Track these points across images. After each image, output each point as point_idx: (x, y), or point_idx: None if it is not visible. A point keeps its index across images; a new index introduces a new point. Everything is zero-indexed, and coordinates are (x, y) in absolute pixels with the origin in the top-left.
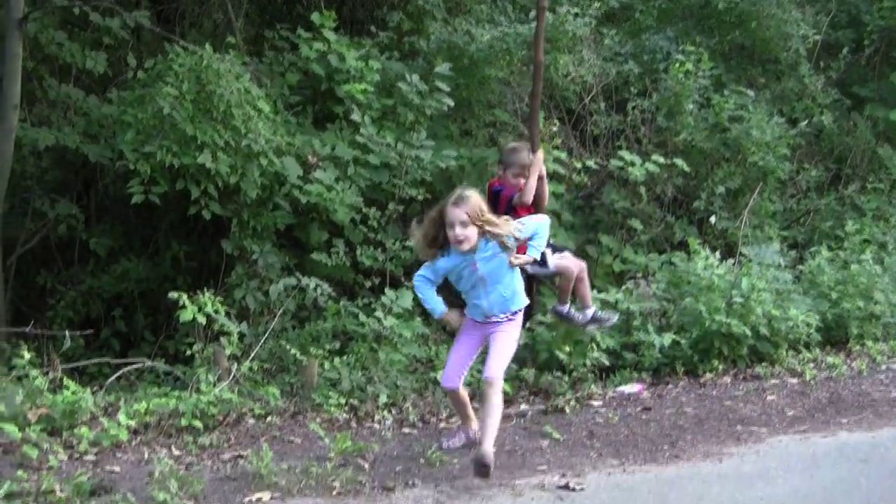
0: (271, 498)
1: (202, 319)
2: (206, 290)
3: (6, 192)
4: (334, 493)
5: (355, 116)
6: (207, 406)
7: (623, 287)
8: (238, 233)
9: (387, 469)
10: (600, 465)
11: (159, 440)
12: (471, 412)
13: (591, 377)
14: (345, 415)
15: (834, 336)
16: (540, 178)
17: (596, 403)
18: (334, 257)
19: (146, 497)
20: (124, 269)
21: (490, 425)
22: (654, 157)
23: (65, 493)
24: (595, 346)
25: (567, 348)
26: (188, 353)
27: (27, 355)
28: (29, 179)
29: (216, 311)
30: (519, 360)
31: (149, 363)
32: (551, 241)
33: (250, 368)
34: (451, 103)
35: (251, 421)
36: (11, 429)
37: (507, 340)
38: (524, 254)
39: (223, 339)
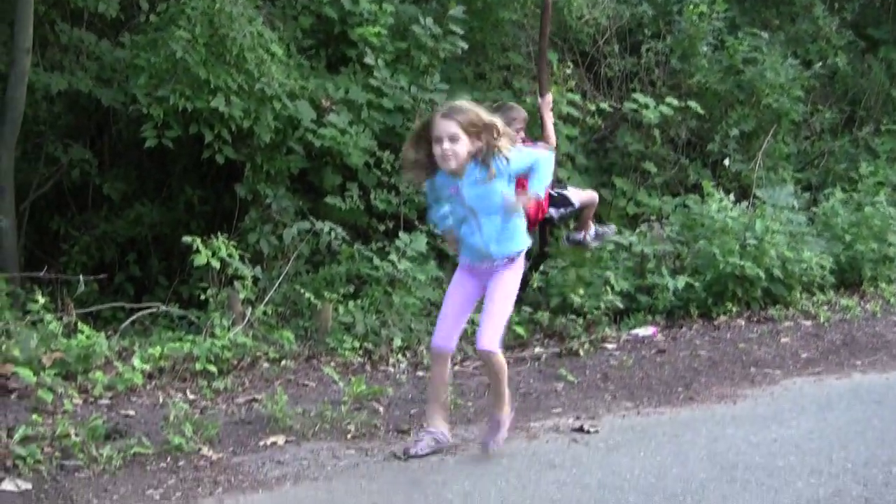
0: (286, 441)
1: (216, 264)
2: (219, 234)
3: (19, 137)
4: (349, 436)
5: (369, 60)
6: (222, 350)
7: (637, 230)
8: (251, 177)
9: (402, 412)
10: (615, 408)
11: (174, 384)
12: (445, 403)
13: (605, 320)
14: (359, 358)
15: (848, 278)
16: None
17: (610, 346)
18: (348, 201)
19: (161, 441)
20: (138, 213)
21: (500, 394)
22: (668, 99)
23: (80, 437)
24: (609, 289)
25: (581, 291)
26: (202, 297)
27: (41, 300)
28: (42, 124)
29: (230, 256)
30: (533, 303)
31: (163, 308)
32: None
33: (264, 312)
34: (465, 46)
35: (265, 365)
36: (26, 373)
37: (502, 296)
38: (524, 191)
39: (237, 284)
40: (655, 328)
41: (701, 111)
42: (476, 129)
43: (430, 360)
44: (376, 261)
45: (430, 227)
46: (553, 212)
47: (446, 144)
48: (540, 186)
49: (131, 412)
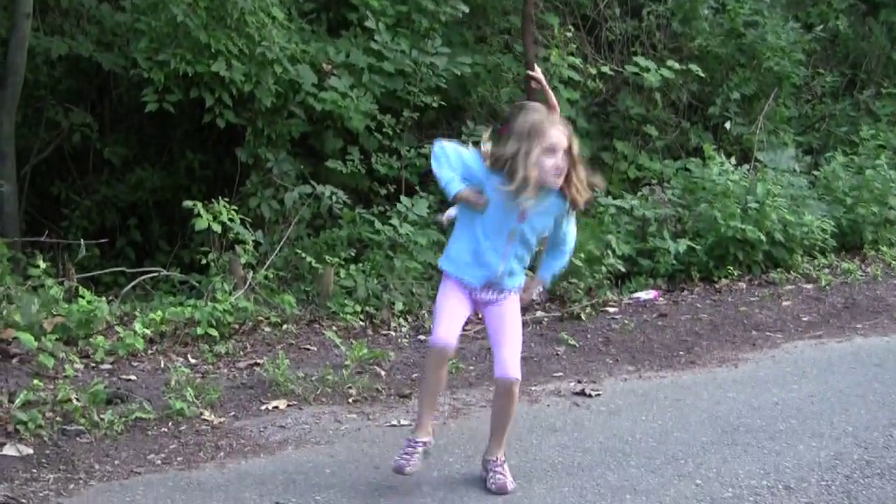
0: (288, 405)
1: (217, 228)
2: (220, 198)
3: (20, 102)
4: (351, 400)
5: (370, 23)
6: (223, 314)
7: (638, 193)
8: (253, 141)
9: (403, 376)
10: (616, 372)
11: (175, 349)
12: (434, 411)
13: (606, 284)
14: (360, 323)
15: (849, 241)
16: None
17: (612, 310)
18: (349, 165)
19: (162, 405)
20: (139, 178)
21: (506, 430)
22: (669, 62)
23: (81, 401)
24: (611, 253)
25: (582, 255)
26: (203, 262)
27: (42, 265)
28: (42, 89)
29: (231, 220)
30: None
31: (164, 272)
32: None
33: (266, 277)
34: (466, 9)
35: (267, 329)
36: (27, 338)
37: (517, 323)
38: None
39: (238, 248)
40: (657, 292)
41: (702, 74)
42: (573, 158)
43: (429, 359)
44: (378, 225)
45: (432, 193)
46: None
47: (561, 160)
48: (551, 272)
49: (133, 377)
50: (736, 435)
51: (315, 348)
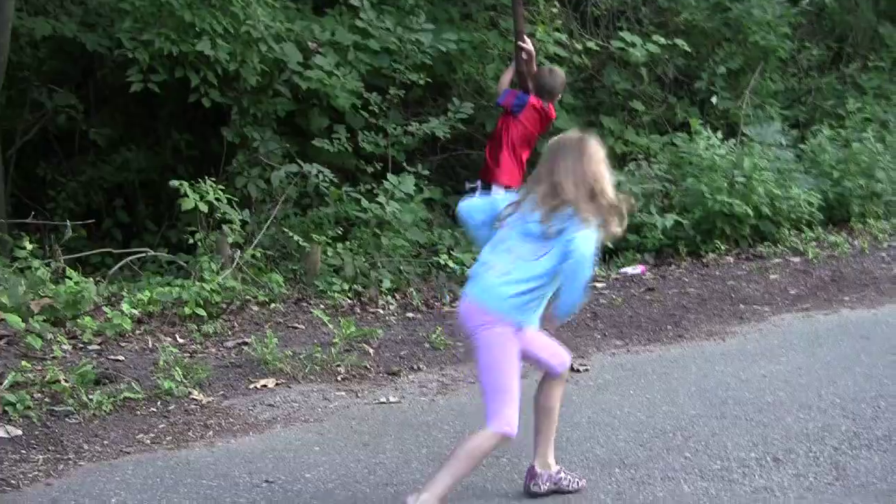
0: (276, 384)
1: (204, 208)
2: (207, 178)
3: (4, 83)
4: (339, 378)
5: (354, 1)
6: (211, 294)
7: (625, 169)
8: (238, 120)
9: (391, 354)
10: (604, 346)
11: (163, 329)
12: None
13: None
14: (348, 301)
15: (836, 214)
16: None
17: (599, 285)
18: (336, 143)
19: (151, 385)
20: (125, 158)
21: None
22: (655, 37)
23: (69, 382)
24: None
25: None
26: (191, 241)
27: (29, 246)
28: (27, 70)
29: (218, 200)
30: None
31: (151, 253)
32: None
33: (253, 256)
34: None
35: (255, 308)
36: (15, 319)
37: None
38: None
39: (225, 227)
40: (644, 266)
41: (688, 49)
42: None
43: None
44: (364, 203)
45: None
46: None
47: None
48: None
49: (121, 357)
50: (724, 408)
51: (303, 327)
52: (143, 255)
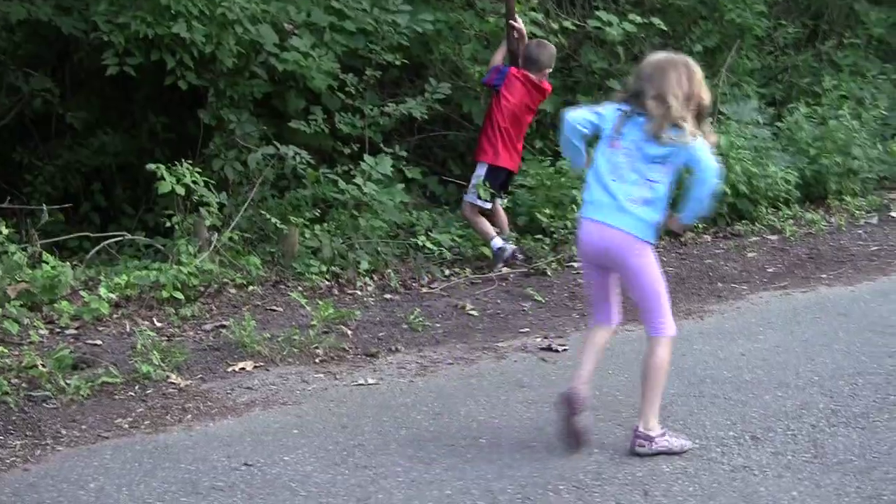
0: (255, 367)
1: (181, 191)
2: (184, 161)
3: None
4: (317, 360)
5: None
6: (188, 277)
7: None
8: (215, 102)
9: (370, 335)
10: (582, 326)
11: (141, 313)
12: None
13: (572, 239)
14: (326, 282)
15: (813, 192)
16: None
17: (577, 265)
18: (312, 125)
19: (129, 370)
20: (102, 142)
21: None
22: (632, 16)
23: (47, 367)
24: (576, 208)
25: (548, 211)
26: (168, 225)
27: (5, 231)
28: (2, 54)
29: (195, 182)
30: None
31: (129, 236)
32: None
33: (231, 238)
34: None
35: (233, 291)
36: None
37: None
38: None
39: (203, 210)
40: None
41: (664, 27)
42: None
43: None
44: (342, 184)
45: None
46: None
47: None
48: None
49: (98, 342)
50: (702, 386)
51: (281, 309)
52: (121, 238)
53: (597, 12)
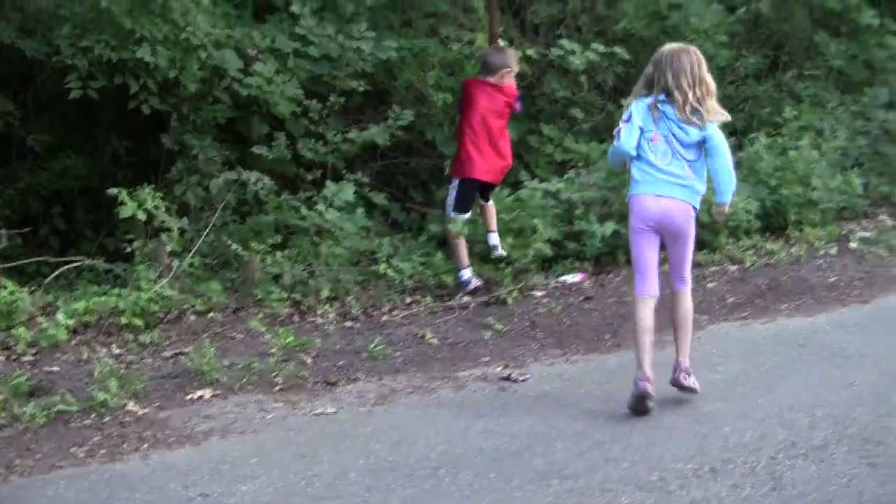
0: (213, 395)
1: (142, 216)
2: (146, 185)
3: None
4: (276, 388)
5: (295, 7)
6: (148, 303)
7: (565, 176)
8: (178, 127)
9: (329, 363)
10: (542, 356)
11: (99, 339)
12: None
13: (533, 268)
14: (287, 310)
15: (773, 222)
16: None
17: (538, 294)
18: (275, 150)
19: (86, 397)
20: (64, 165)
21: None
22: (595, 45)
23: (2, 394)
24: (537, 238)
25: (509, 239)
26: (129, 250)
27: None
28: None
29: (156, 207)
30: None
31: (88, 261)
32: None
33: (191, 264)
34: None
35: (192, 317)
36: None
37: None
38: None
39: (164, 236)
40: (583, 274)
41: (627, 57)
42: None
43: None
44: (304, 210)
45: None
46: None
47: None
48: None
49: (55, 368)
50: (662, 417)
51: (241, 336)
52: (81, 263)
53: (560, 41)
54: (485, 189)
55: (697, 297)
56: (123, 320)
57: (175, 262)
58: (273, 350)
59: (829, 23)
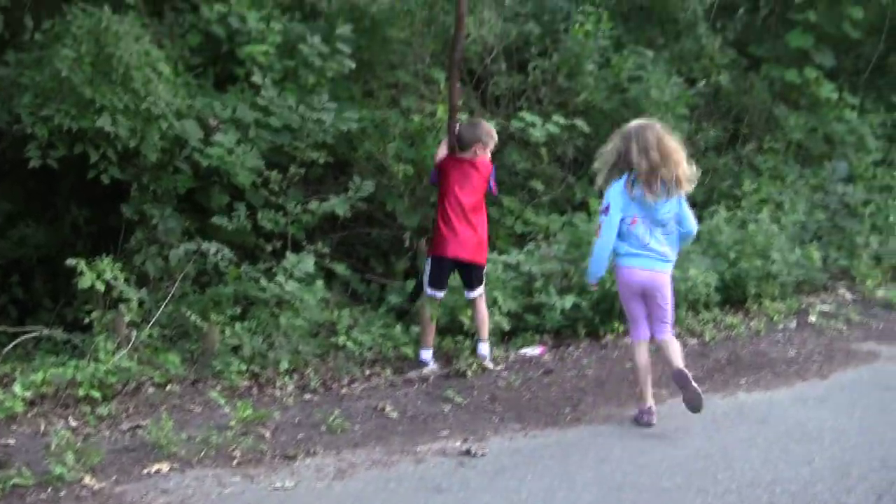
0: (170, 469)
1: (101, 286)
2: (105, 255)
3: None
4: (235, 462)
5: (256, 78)
6: (106, 375)
7: (525, 248)
8: (138, 197)
9: (288, 437)
10: (502, 430)
11: (56, 411)
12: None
13: (492, 340)
14: (246, 382)
15: (732, 295)
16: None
17: (498, 367)
18: (235, 221)
19: (42, 471)
20: (23, 234)
21: None
22: (555, 117)
23: None
24: (497, 310)
25: (469, 312)
26: (87, 320)
27: None
28: None
29: (115, 278)
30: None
31: (46, 331)
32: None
33: (150, 335)
34: (353, 65)
35: (151, 390)
36: None
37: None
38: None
39: (122, 306)
40: (543, 347)
41: (587, 129)
42: None
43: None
44: (263, 282)
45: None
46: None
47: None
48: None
49: (11, 441)
50: (621, 493)
51: (199, 409)
52: (38, 333)
53: (521, 113)
54: (465, 270)
55: (657, 371)
56: (81, 392)
57: (134, 333)
58: (232, 423)
59: (789, 96)
